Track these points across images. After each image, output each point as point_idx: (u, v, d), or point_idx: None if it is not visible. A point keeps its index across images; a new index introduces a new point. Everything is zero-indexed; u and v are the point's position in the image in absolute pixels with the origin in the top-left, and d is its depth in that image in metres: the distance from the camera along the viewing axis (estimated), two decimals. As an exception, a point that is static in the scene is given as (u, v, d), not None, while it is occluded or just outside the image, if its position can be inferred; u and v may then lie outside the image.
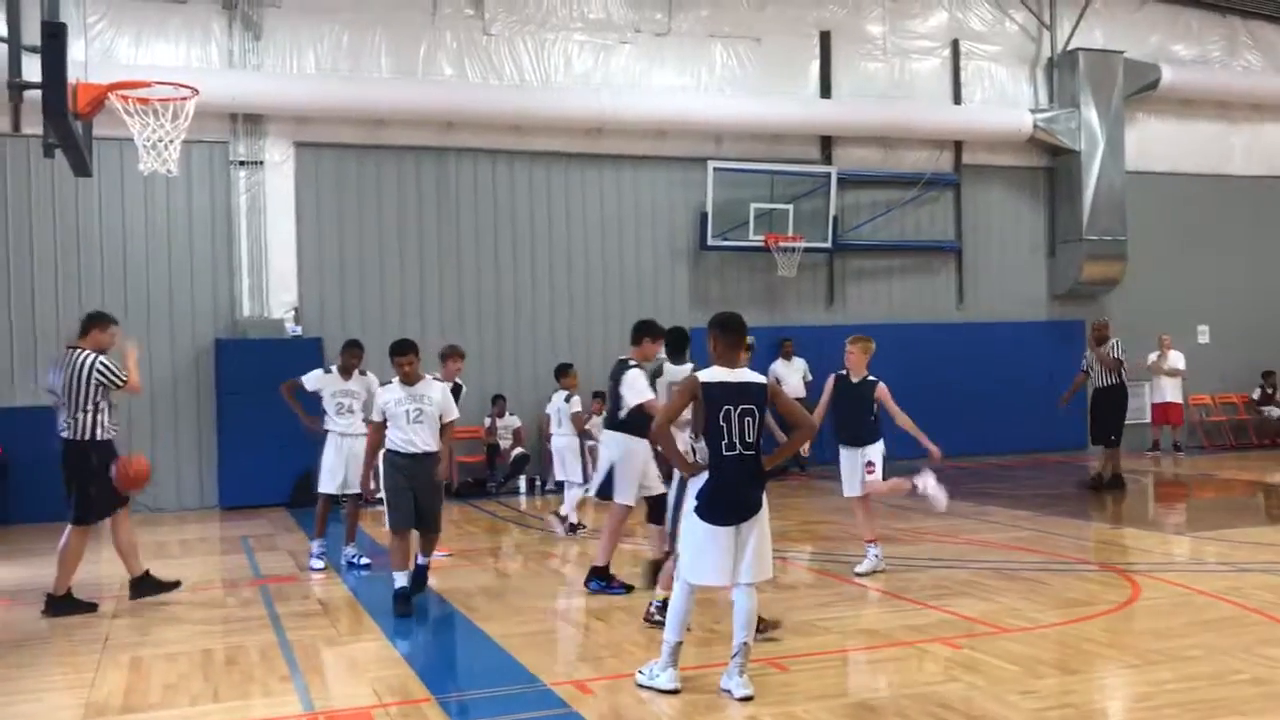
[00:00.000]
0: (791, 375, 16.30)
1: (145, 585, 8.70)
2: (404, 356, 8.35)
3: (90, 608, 8.40)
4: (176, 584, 8.84)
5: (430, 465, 8.26)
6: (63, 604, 8.34)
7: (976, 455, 16.96)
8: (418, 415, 8.22)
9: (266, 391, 11.66)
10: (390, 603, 8.11)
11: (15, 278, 14.27)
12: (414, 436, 8.19)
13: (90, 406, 8.46)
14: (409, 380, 8.32)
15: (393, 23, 15.76)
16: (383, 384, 8.50)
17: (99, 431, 8.49)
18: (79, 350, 8.56)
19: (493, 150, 16.32)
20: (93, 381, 8.48)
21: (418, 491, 8.22)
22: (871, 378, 8.90)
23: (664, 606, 6.55)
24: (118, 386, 8.58)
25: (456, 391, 9.83)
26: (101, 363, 8.55)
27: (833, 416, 8.98)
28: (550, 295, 16.60)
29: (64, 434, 8.42)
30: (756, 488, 5.90)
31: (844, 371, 9.02)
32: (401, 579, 8.11)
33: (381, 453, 8.46)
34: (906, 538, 10.65)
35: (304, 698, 6.05)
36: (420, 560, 8.51)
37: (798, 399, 15.22)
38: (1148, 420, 19.09)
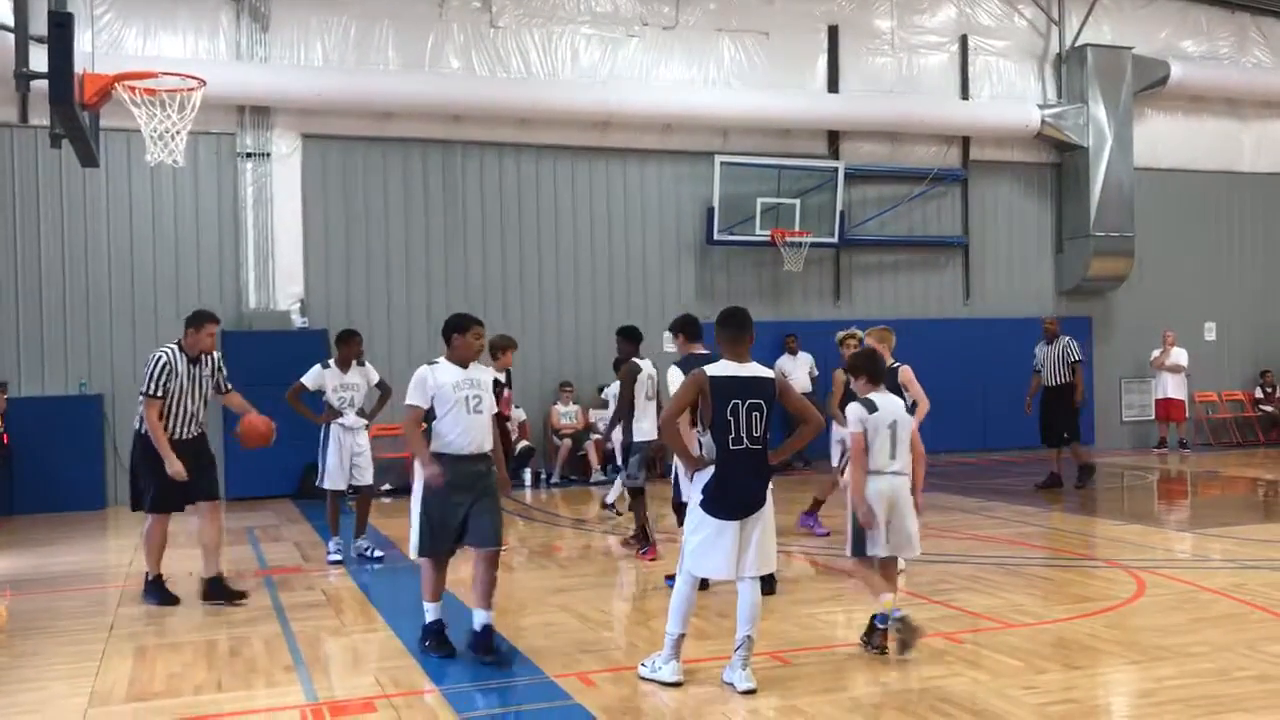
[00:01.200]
0: (797, 370, 16.30)
1: (216, 589, 8.38)
2: (479, 326, 6.85)
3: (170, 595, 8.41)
4: (244, 595, 8.42)
5: (489, 469, 6.71)
6: (154, 588, 8.48)
7: (981, 451, 16.95)
8: (477, 404, 6.60)
9: (273, 383, 11.65)
10: (396, 596, 8.10)
11: (22, 268, 14.30)
12: (475, 432, 6.57)
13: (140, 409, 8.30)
14: (464, 362, 6.73)
15: (400, 15, 15.75)
16: (428, 363, 6.72)
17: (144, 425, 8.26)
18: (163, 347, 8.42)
19: (499, 143, 16.32)
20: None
21: (473, 505, 6.51)
22: (895, 363, 8.82)
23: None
24: (143, 393, 8.21)
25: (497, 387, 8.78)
26: (163, 357, 8.24)
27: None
28: (556, 289, 16.60)
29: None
30: (762, 482, 5.90)
31: None
32: (434, 611, 6.71)
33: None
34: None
35: (307, 688, 6.06)
36: (484, 619, 6.49)
37: (804, 394, 15.23)
38: (1153, 417, 19.08)
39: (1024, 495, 13.46)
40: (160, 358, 8.16)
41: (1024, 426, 18.20)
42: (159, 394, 8.09)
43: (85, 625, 7.74)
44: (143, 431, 8.23)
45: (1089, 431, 19.12)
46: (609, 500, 11.83)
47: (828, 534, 10.37)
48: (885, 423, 6.46)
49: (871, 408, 6.48)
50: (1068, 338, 14.18)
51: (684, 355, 8.48)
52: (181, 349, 8.28)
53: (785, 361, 16.36)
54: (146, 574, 8.53)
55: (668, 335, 16.85)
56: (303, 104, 15.22)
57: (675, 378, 7.78)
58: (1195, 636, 6.77)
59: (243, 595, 8.38)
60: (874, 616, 6.44)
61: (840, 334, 9.56)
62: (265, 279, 15.16)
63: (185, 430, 8.31)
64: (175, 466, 8.09)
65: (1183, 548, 10.26)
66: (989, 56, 18.88)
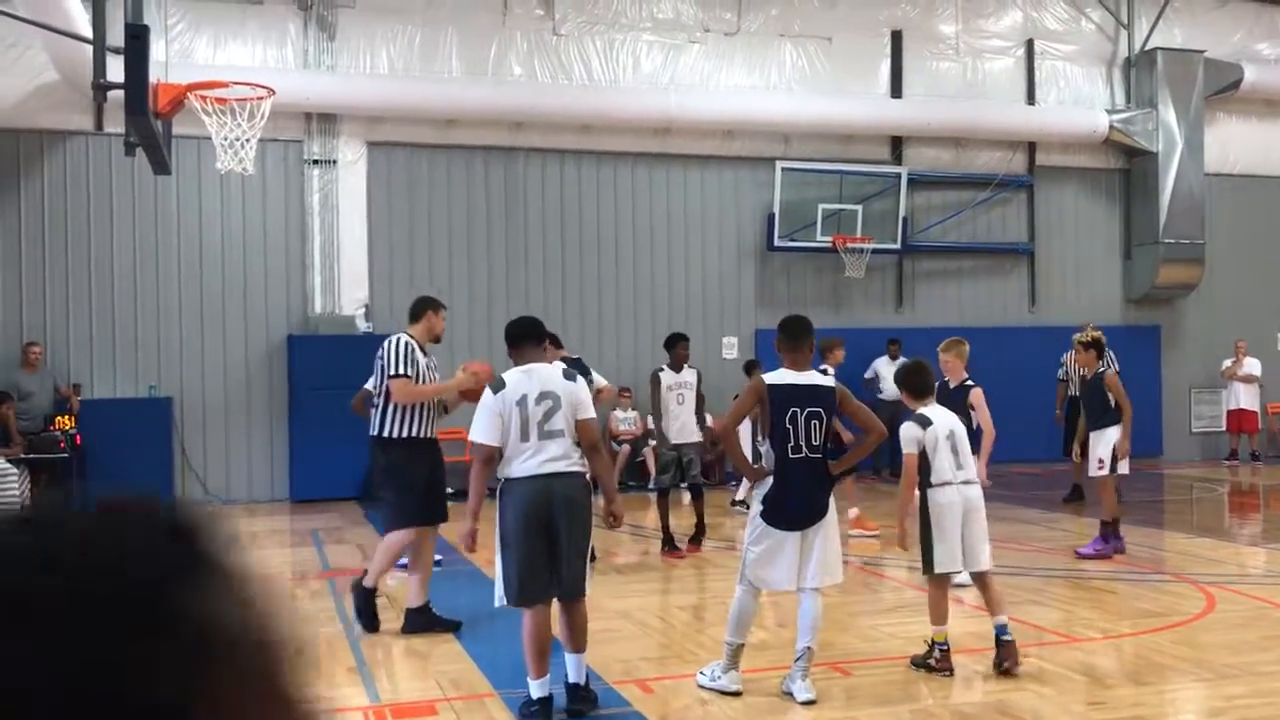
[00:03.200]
0: (888, 375, 15.72)
1: (420, 618, 7.37)
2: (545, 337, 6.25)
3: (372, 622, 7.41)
4: (457, 625, 7.38)
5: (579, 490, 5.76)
6: (366, 605, 7.39)
7: (1046, 462, 16.69)
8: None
9: (338, 387, 11.83)
10: (455, 599, 8.14)
11: (96, 274, 14.63)
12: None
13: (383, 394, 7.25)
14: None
15: (464, 23, 15.90)
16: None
17: (402, 428, 7.21)
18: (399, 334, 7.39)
19: (561, 150, 16.41)
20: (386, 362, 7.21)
21: (557, 537, 5.57)
22: (969, 381, 8.67)
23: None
24: (391, 375, 7.13)
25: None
26: (402, 342, 7.22)
27: None
28: (616, 295, 16.65)
29: (371, 432, 7.39)
30: (823, 492, 5.87)
31: (944, 379, 8.82)
32: (540, 688, 5.55)
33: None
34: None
35: (370, 690, 6.14)
36: (576, 674, 5.67)
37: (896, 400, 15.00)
38: (1224, 428, 18.69)
39: (1092, 508, 13.22)
40: (401, 338, 7.24)
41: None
42: (409, 372, 7.09)
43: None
44: (390, 435, 7.20)
45: (1157, 442, 18.79)
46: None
47: (1113, 554, 9.67)
48: (942, 435, 6.37)
49: (925, 423, 6.39)
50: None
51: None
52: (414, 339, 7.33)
53: (882, 365, 16.00)
54: (361, 581, 7.45)
55: (728, 341, 17.03)
56: (368, 111, 15.42)
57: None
58: (1267, 655, 6.62)
59: (455, 625, 7.34)
60: (935, 642, 6.26)
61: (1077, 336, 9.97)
62: (331, 284, 15.37)
63: (428, 428, 7.32)
64: (456, 381, 7.14)
65: (1254, 563, 10.04)
66: (1056, 61, 18.63)
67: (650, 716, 5.60)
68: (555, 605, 5.70)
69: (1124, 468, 9.95)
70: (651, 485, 10.37)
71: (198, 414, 14.90)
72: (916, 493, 6.42)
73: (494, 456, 5.61)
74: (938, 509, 6.31)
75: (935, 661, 6.20)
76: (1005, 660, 6.17)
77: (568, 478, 5.62)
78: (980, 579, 6.44)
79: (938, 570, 6.34)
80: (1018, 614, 7.62)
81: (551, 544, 5.54)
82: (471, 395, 6.80)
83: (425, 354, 7.33)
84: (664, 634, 7.37)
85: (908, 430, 6.39)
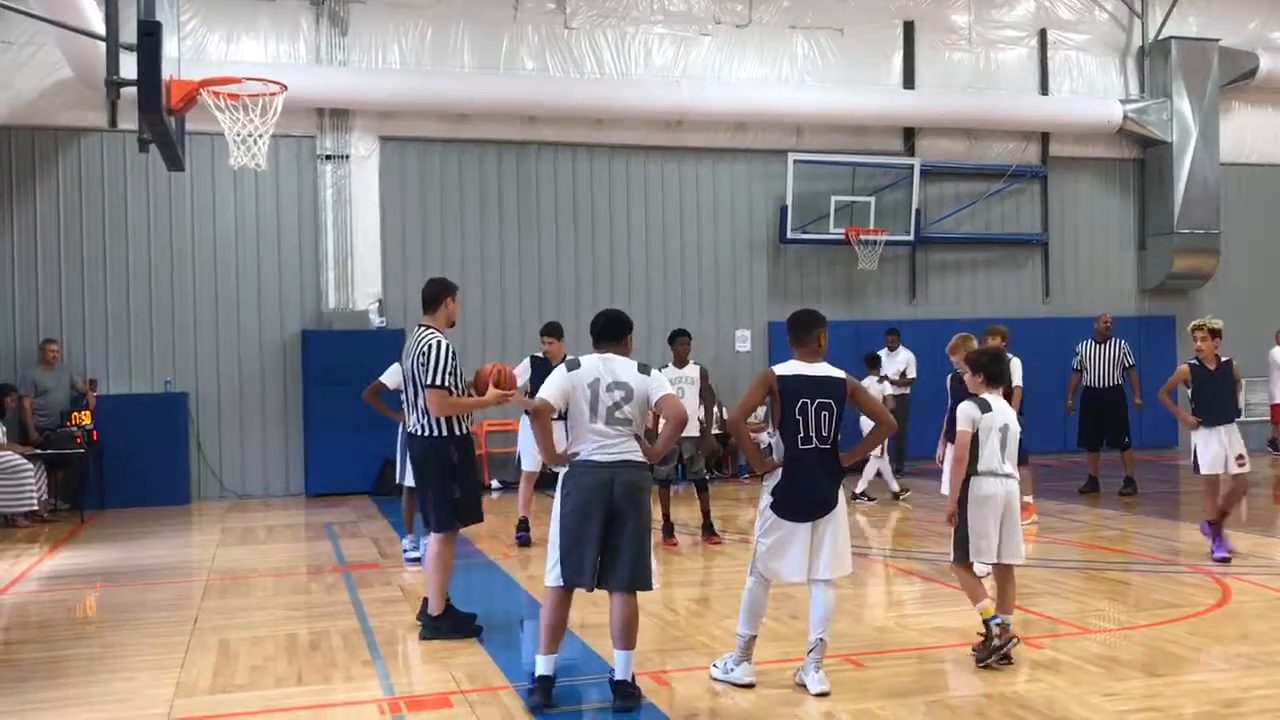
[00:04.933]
0: (891, 367, 15.58)
1: (443, 624, 7.12)
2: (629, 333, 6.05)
3: (472, 625, 7.15)
4: (476, 627, 7.17)
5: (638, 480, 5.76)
6: (444, 621, 7.10)
7: (1060, 453, 16.64)
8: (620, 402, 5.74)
9: (351, 382, 11.89)
10: (469, 592, 8.16)
11: (111, 270, 14.70)
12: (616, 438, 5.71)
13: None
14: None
15: (475, 18, 15.91)
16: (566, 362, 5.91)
17: (455, 425, 7.07)
18: (425, 329, 7.12)
19: (573, 143, 16.41)
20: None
21: (617, 526, 5.63)
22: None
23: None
24: (429, 385, 6.89)
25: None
26: (443, 346, 6.95)
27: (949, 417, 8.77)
28: (629, 287, 16.65)
29: (413, 430, 7.14)
30: (833, 483, 5.87)
31: (957, 370, 8.85)
32: (545, 664, 5.67)
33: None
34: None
35: (385, 682, 6.17)
36: (624, 671, 5.64)
37: (901, 395, 14.96)
38: (1268, 419, 18.62)
39: (1107, 498, 13.20)
40: (441, 341, 6.96)
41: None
42: (449, 383, 6.91)
43: (171, 618, 7.94)
44: (423, 434, 7.05)
45: (1172, 433, 18.71)
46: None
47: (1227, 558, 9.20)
48: (998, 424, 6.37)
49: (985, 408, 6.39)
50: (1122, 340, 13.84)
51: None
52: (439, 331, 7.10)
53: (880, 357, 15.81)
54: (426, 607, 7.14)
55: (741, 334, 17.02)
56: (380, 106, 15.45)
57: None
58: (1283, 645, 6.60)
59: (476, 629, 7.15)
60: (986, 621, 6.24)
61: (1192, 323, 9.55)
62: (344, 279, 15.41)
63: (465, 424, 7.18)
64: (492, 397, 6.95)
65: (1271, 554, 9.98)
66: (1069, 50, 18.54)
67: (664, 709, 5.61)
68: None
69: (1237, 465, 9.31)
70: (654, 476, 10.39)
71: (213, 409, 14.97)
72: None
73: (549, 412, 5.70)
74: (979, 498, 6.30)
75: (999, 640, 6.16)
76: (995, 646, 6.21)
77: (633, 468, 5.69)
78: (1005, 573, 6.43)
79: (972, 559, 6.35)
80: (1033, 605, 7.62)
81: (608, 533, 5.59)
82: (504, 384, 7.04)
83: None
84: (677, 626, 7.38)
85: (966, 409, 6.40)
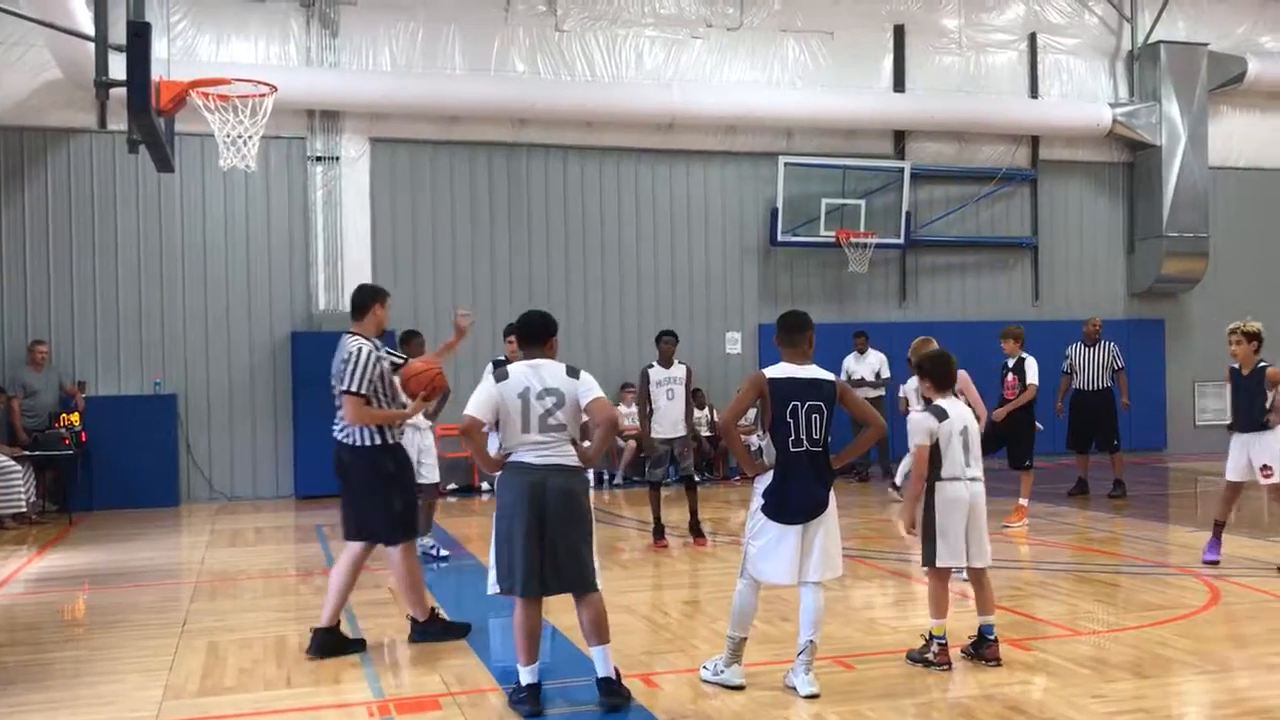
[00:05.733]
0: (861, 370, 15.79)
1: (431, 628, 7.07)
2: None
3: (461, 627, 7.15)
4: (465, 629, 7.18)
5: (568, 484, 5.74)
6: (433, 625, 7.03)
7: (1051, 455, 16.68)
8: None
9: (340, 383, 11.84)
10: (460, 594, 8.14)
11: (100, 271, 14.66)
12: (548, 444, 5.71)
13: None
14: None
15: (466, 20, 15.91)
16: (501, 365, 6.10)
17: (387, 434, 6.82)
18: (350, 336, 6.86)
19: (564, 146, 16.41)
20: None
21: (549, 530, 5.61)
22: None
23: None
24: (345, 391, 6.68)
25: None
26: (365, 353, 6.70)
27: None
28: (620, 290, 16.65)
29: (342, 439, 6.86)
30: (823, 485, 5.87)
31: None
32: (528, 674, 5.63)
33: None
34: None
35: (374, 685, 6.15)
36: (604, 668, 5.67)
37: (876, 397, 15.02)
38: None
39: (1096, 500, 13.24)
40: (363, 348, 6.71)
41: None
42: (365, 390, 6.65)
43: (159, 620, 7.92)
44: (354, 443, 6.79)
45: (1161, 436, 18.79)
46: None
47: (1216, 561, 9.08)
48: (957, 429, 6.35)
49: (941, 415, 6.35)
50: (1111, 342, 13.89)
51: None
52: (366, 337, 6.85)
53: (850, 361, 16.00)
54: (413, 618, 7.03)
55: (731, 336, 17.04)
56: (371, 108, 15.43)
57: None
58: (1271, 647, 6.62)
59: (465, 629, 7.14)
60: (933, 635, 6.26)
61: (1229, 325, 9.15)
62: (335, 281, 15.39)
63: (395, 432, 6.94)
64: (414, 409, 6.96)
65: (1259, 556, 10.02)
66: (1059, 54, 18.60)
67: (654, 711, 5.61)
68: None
69: None
70: (644, 478, 10.47)
71: (202, 411, 14.93)
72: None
73: (477, 430, 5.65)
74: (944, 503, 6.28)
75: (934, 656, 6.21)
76: (989, 656, 6.24)
77: (566, 472, 5.68)
78: (978, 576, 6.42)
79: (939, 564, 6.33)
80: (1023, 607, 7.64)
81: (544, 537, 5.58)
82: (432, 394, 7.00)
83: (378, 348, 6.86)
84: (667, 628, 7.38)
85: (921, 421, 6.35)
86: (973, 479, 6.36)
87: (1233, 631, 7.02)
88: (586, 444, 5.83)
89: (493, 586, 5.71)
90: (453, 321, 8.01)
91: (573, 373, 5.78)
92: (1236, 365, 9.06)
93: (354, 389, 6.60)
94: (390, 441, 6.80)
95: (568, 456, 5.70)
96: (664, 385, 10.58)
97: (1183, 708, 5.81)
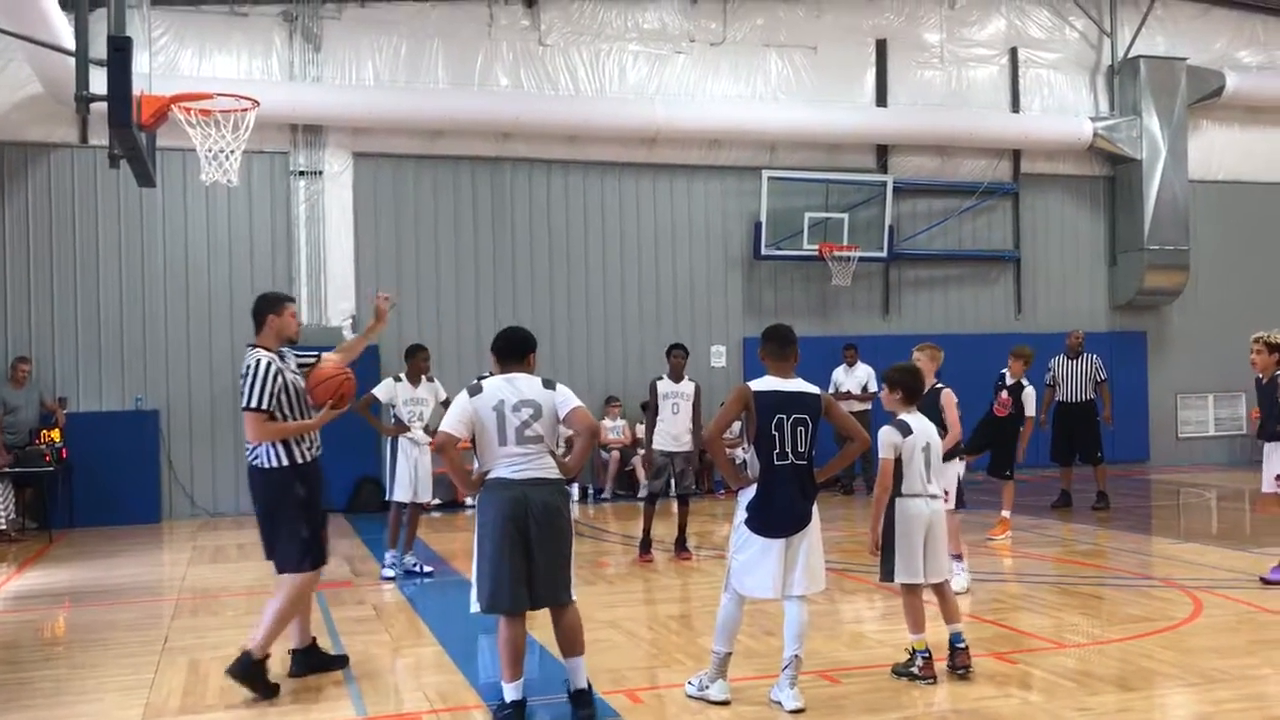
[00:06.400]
0: (849, 383, 15.73)
1: (312, 658, 6.67)
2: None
3: (339, 661, 6.78)
4: (344, 660, 6.83)
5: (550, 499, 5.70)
6: (261, 669, 6.25)
7: (1034, 467, 16.74)
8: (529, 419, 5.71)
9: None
10: (445, 611, 8.11)
11: (81, 286, 14.58)
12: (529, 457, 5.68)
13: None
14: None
15: (450, 34, 15.92)
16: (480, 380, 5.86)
17: (298, 453, 6.40)
18: (251, 349, 6.42)
19: (548, 160, 16.42)
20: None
21: (531, 544, 5.60)
22: (939, 385, 8.57)
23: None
24: (244, 408, 6.26)
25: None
26: (250, 363, 6.29)
27: None
28: (604, 303, 16.65)
29: (252, 461, 6.46)
30: (807, 499, 5.87)
31: None
32: (513, 691, 5.59)
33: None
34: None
35: (357, 703, 6.11)
36: (577, 679, 5.73)
37: (861, 411, 15.01)
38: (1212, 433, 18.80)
39: (1079, 513, 13.27)
40: (261, 359, 6.28)
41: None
42: (267, 405, 6.24)
43: (140, 637, 7.86)
44: (262, 465, 6.39)
45: (1144, 448, 18.86)
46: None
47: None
48: (920, 445, 6.35)
49: (906, 430, 6.35)
50: (1094, 355, 13.94)
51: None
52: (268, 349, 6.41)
53: (839, 374, 15.97)
54: (249, 651, 6.20)
55: (716, 350, 17.06)
56: (354, 122, 15.42)
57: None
58: (1254, 659, 6.64)
59: (344, 659, 6.84)
60: (915, 650, 6.26)
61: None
62: (318, 295, 15.34)
63: (310, 450, 6.51)
64: (320, 419, 6.43)
65: (1241, 567, 10.06)
66: (1040, 69, 18.72)
67: (638, 726, 5.59)
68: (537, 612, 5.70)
69: None
70: (641, 492, 10.42)
71: (184, 426, 14.85)
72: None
73: (452, 446, 5.61)
74: (905, 519, 6.28)
75: (918, 669, 6.21)
76: (960, 665, 6.23)
77: (545, 485, 5.66)
78: (938, 588, 6.44)
79: (897, 579, 6.33)
80: (1007, 620, 7.65)
81: (527, 551, 5.57)
82: (341, 403, 6.50)
83: (285, 359, 6.45)
84: (652, 643, 7.36)
85: (887, 435, 6.35)
86: (933, 496, 6.37)
87: (1216, 643, 7.03)
88: (566, 455, 5.83)
89: (475, 605, 5.68)
90: (373, 305, 7.71)
91: (549, 385, 5.78)
92: (1259, 375, 9.07)
93: (253, 404, 6.17)
94: (301, 461, 6.34)
95: (548, 469, 5.69)
96: (670, 399, 10.50)
97: (1167, 720, 5.81)
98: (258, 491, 6.50)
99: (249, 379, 6.22)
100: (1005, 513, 11.39)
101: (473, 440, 5.71)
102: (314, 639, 6.73)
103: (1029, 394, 11.44)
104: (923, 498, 6.32)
